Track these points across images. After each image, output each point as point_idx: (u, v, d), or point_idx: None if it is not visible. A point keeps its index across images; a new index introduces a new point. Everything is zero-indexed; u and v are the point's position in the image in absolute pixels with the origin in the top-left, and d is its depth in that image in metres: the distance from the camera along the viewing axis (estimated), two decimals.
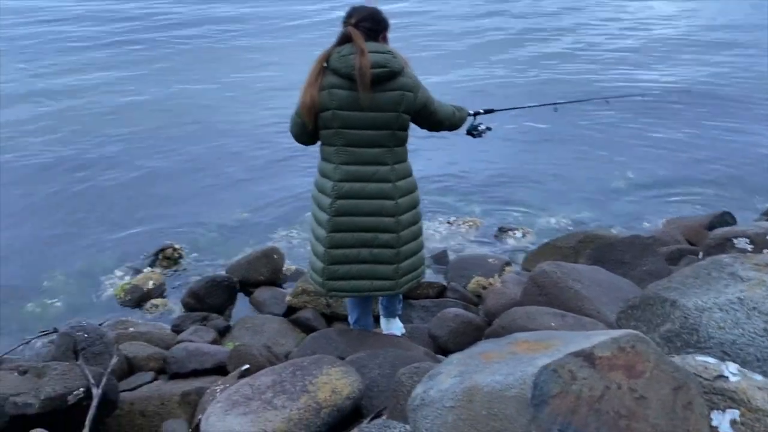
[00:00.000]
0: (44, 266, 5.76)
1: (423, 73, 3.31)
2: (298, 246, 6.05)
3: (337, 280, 3.22)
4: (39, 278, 5.59)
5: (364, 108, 2.98)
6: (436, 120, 3.25)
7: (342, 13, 3.17)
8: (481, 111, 3.77)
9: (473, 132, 3.75)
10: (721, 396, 1.92)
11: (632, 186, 7.13)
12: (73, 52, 13.36)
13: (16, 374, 3.01)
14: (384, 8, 3.17)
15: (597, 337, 1.81)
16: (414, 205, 3.28)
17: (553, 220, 6.36)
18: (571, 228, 6.09)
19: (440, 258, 5.60)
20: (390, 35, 3.20)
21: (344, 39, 3.02)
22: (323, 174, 3.20)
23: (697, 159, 7.65)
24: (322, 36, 14.37)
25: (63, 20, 16.61)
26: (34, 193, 7.12)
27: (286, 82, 10.61)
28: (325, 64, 3.02)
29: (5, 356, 4.02)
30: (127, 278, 5.48)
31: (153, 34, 15.01)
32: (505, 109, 4.22)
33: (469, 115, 3.62)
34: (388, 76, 2.97)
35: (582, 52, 12.49)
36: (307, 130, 3.16)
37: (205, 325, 4.62)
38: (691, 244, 5.03)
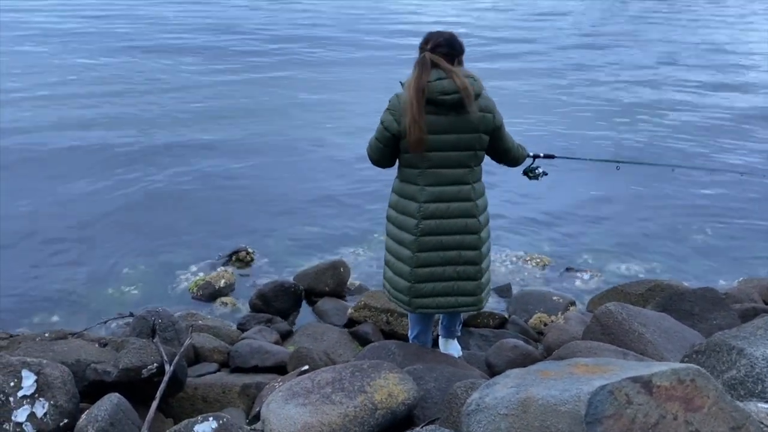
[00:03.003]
0: (126, 256, 6.11)
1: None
2: (364, 263, 6.19)
3: (423, 298, 3.30)
4: (120, 266, 5.93)
5: (447, 130, 3.09)
6: (504, 147, 3.33)
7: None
8: (541, 155, 3.81)
9: (529, 173, 3.79)
10: None
11: (710, 243, 6.93)
12: (172, 59, 14.23)
13: (97, 345, 3.24)
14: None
15: (657, 367, 1.83)
16: (488, 220, 3.38)
17: (623, 267, 6.25)
18: (641, 276, 5.97)
19: (504, 291, 5.61)
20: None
21: (422, 64, 3.09)
22: (405, 196, 3.27)
23: None
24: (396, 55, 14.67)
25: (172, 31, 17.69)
26: (124, 187, 7.57)
27: (365, 100, 10.95)
28: None
29: (83, 332, 4.30)
30: (201, 274, 5.75)
31: (249, 47, 15.81)
32: (566, 158, 4.26)
33: (528, 156, 3.67)
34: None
35: (675, 115, 12.03)
36: (387, 154, 3.24)
37: (269, 326, 4.79)
38: None
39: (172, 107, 10.76)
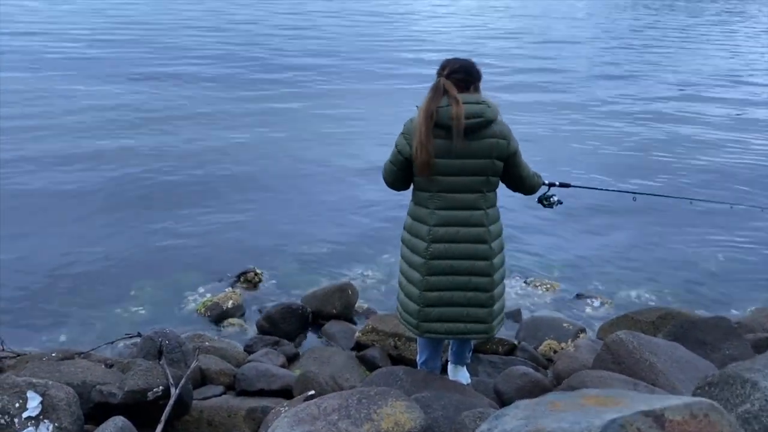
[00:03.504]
0: (135, 276, 6.11)
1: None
2: (372, 286, 6.17)
3: (432, 322, 3.28)
4: (128, 286, 5.93)
5: (458, 155, 3.09)
6: (519, 174, 3.31)
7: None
8: (557, 183, 3.80)
9: (544, 201, 3.79)
10: None
11: (722, 271, 6.86)
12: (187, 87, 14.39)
13: (103, 366, 3.23)
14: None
15: (669, 401, 1.79)
16: (502, 247, 3.35)
17: (634, 294, 6.20)
18: (652, 303, 5.91)
19: (514, 316, 5.55)
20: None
21: (435, 90, 3.12)
22: (417, 219, 3.28)
23: None
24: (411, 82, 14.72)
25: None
26: (136, 210, 7.58)
27: (376, 125, 11.01)
28: None
29: (90, 352, 4.29)
30: (209, 295, 5.74)
31: (262, 75, 15.97)
32: (582, 187, 4.25)
33: (544, 184, 3.66)
34: (484, 125, 3.08)
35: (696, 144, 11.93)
36: (401, 177, 3.27)
37: (275, 349, 4.76)
38: None
39: (179, 136, 10.76)
